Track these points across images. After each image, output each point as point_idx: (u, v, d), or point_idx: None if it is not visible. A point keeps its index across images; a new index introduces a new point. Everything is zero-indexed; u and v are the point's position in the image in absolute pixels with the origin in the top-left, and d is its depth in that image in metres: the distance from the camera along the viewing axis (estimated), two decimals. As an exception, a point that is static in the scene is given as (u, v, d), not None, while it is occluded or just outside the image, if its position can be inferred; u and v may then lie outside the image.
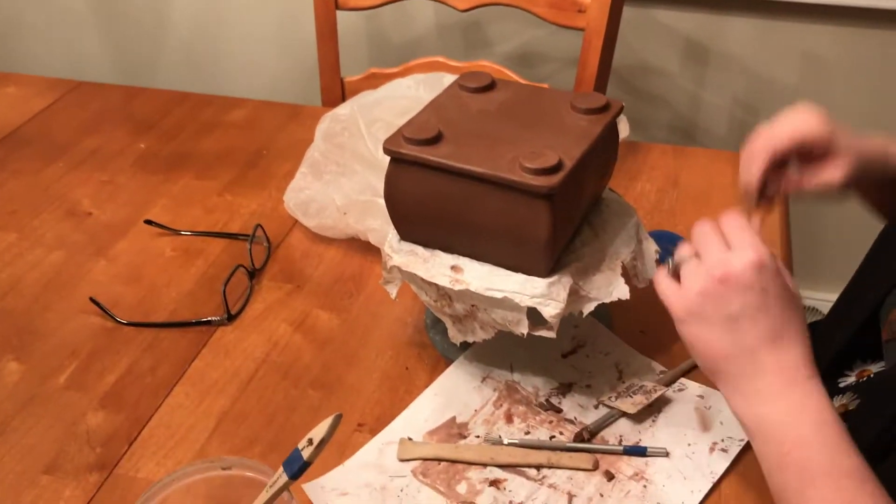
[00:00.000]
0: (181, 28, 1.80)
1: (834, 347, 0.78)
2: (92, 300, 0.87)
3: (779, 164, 0.72)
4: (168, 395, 0.78)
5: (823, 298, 1.63)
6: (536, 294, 0.68)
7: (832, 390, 0.78)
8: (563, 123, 0.72)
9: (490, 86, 0.77)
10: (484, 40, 1.63)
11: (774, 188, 0.73)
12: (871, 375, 0.75)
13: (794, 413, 0.57)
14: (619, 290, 0.71)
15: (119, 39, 1.86)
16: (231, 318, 0.85)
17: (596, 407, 0.75)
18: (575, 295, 0.70)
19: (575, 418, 0.74)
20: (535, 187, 0.64)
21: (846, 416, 0.73)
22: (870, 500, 0.54)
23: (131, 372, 0.80)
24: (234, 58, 1.80)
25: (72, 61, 1.89)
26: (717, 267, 0.59)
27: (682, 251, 0.64)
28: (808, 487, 0.55)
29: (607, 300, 0.70)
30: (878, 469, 0.61)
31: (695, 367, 0.79)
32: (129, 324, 0.85)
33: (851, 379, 0.77)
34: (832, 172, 0.71)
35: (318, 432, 0.56)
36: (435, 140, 0.69)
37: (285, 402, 0.77)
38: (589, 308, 0.70)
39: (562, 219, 0.67)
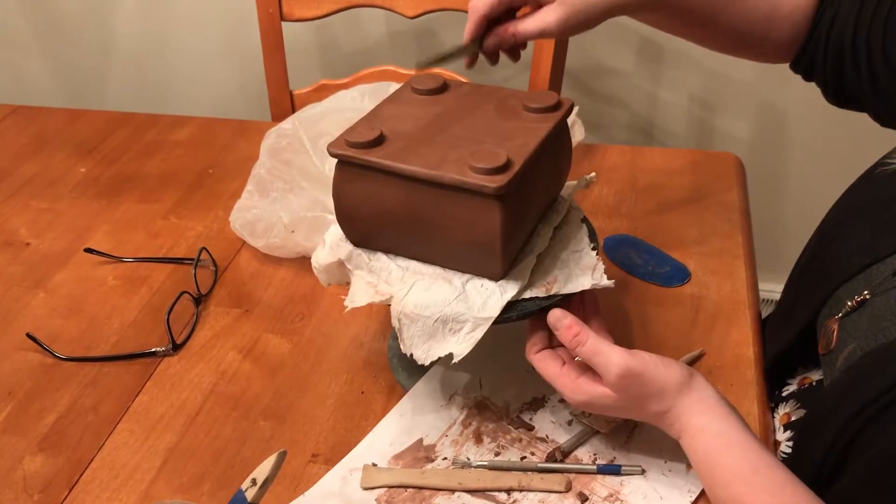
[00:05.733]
0: (127, 46, 1.75)
1: (773, 352, 0.77)
2: (29, 336, 0.83)
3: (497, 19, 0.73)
4: (111, 434, 0.74)
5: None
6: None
7: (775, 400, 0.76)
8: (514, 123, 0.70)
9: (442, 88, 0.75)
10: (436, 47, 1.61)
11: (494, 42, 0.73)
12: (813, 383, 0.74)
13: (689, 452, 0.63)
14: (578, 283, 0.68)
15: (63, 60, 1.80)
16: (176, 347, 0.82)
17: (569, 423, 0.72)
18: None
19: (547, 436, 0.71)
20: (484, 187, 0.62)
21: (791, 426, 0.72)
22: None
23: (72, 410, 0.76)
24: (182, 74, 1.76)
25: (13, 84, 1.83)
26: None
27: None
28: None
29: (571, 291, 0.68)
30: (833, 487, 0.59)
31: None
32: (70, 359, 0.81)
33: (793, 387, 0.76)
34: (544, 17, 0.71)
35: (261, 471, 0.53)
36: (377, 142, 0.66)
37: (235, 435, 0.73)
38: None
39: (513, 219, 0.65)
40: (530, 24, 0.71)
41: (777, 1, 0.78)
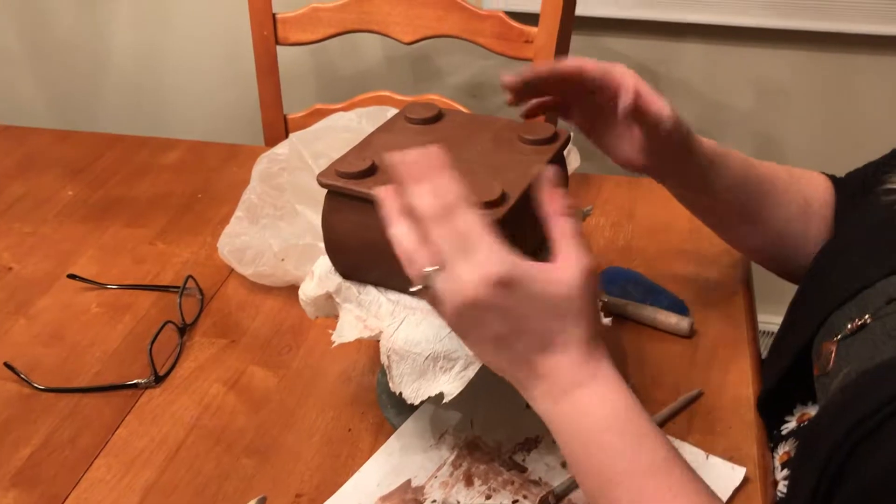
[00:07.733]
0: (121, 67, 1.74)
1: (767, 386, 0.75)
2: (7, 365, 0.80)
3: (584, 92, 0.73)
4: (88, 469, 0.71)
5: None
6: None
7: (774, 439, 0.74)
8: (510, 155, 0.68)
9: (436, 117, 0.73)
10: (433, 73, 1.60)
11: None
12: (812, 419, 0.71)
13: (580, 414, 0.56)
14: None
15: (55, 80, 1.79)
16: (159, 379, 0.79)
17: (563, 465, 0.70)
18: None
19: (540, 479, 0.69)
20: None
21: (789, 464, 0.70)
22: (668, 494, 0.53)
23: (48, 444, 0.73)
24: (175, 96, 1.75)
25: (3, 103, 1.81)
26: (458, 292, 0.53)
27: (421, 259, 0.54)
28: (611, 490, 0.54)
29: None
30: None
31: (674, 415, 0.74)
32: (48, 389, 0.79)
33: (793, 424, 0.73)
34: (662, 107, 0.70)
35: (240, 517, 0.50)
36: (368, 172, 0.65)
37: (217, 472, 0.70)
38: None
39: None
40: (651, 108, 0.70)
41: (809, 195, 0.81)
